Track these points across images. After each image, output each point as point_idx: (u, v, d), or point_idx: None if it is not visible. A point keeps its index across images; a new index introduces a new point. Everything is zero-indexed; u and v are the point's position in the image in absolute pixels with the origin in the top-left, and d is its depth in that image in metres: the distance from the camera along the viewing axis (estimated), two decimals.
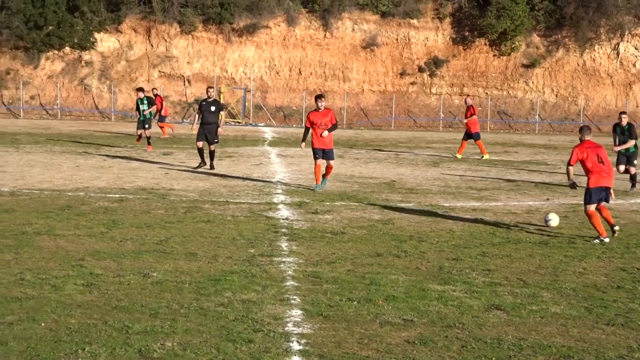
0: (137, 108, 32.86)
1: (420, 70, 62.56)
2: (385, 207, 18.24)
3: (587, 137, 15.02)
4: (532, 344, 8.51)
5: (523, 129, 60.44)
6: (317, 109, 21.06)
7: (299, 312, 9.44)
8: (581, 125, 19.83)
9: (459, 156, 32.55)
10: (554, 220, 15.66)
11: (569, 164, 15.12)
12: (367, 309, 9.63)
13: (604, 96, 61.75)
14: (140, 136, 33.31)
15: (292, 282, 10.82)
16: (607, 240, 14.47)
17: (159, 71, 61.48)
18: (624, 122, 22.35)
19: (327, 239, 14.10)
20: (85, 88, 60.88)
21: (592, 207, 14.58)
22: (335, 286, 10.67)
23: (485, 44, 62.56)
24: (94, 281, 10.58)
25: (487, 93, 61.86)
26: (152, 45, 62.01)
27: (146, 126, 32.63)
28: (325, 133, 20.73)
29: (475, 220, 16.65)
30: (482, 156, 32.56)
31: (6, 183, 20.63)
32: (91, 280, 10.61)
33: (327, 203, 18.57)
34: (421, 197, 20.21)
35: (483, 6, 61.42)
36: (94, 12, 60.77)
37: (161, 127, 40.21)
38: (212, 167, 25.12)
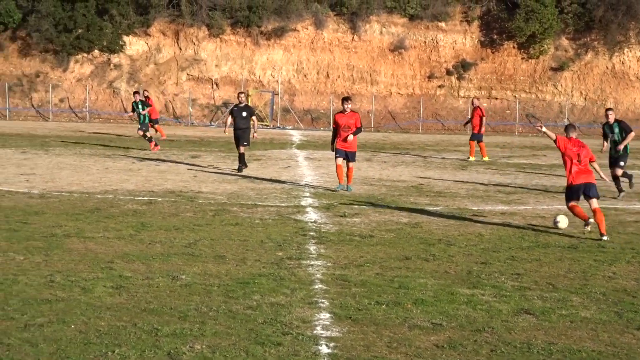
0: (133, 110, 33.56)
1: (448, 73, 62.38)
2: (414, 210, 18.20)
3: (572, 135, 15.50)
4: (562, 349, 8.47)
5: None
6: (342, 111, 21.09)
7: (328, 315, 9.44)
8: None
9: (486, 159, 32.33)
10: (563, 222, 15.65)
11: (556, 138, 15.58)
12: (395, 313, 9.61)
13: (633, 99, 61.27)
14: (159, 135, 33.87)
15: (320, 285, 10.82)
16: (589, 229, 15.40)
17: (187, 74, 61.71)
18: (612, 119, 21.58)
19: (355, 242, 14.09)
20: (114, 91, 61.23)
21: (571, 203, 15.38)
22: (363, 289, 10.65)
23: (514, 47, 62.28)
24: (123, 284, 10.63)
25: (515, 96, 61.56)
26: (180, 49, 62.26)
27: (143, 128, 33.07)
28: (351, 137, 20.74)
29: (504, 224, 16.59)
30: (469, 157, 32.37)
31: (36, 185, 20.78)
32: (120, 283, 10.66)
33: (355, 206, 18.56)
34: (449, 200, 20.15)
35: (511, 9, 61.16)
36: (122, 15, 61.13)
37: (157, 129, 40.34)
38: (239, 169, 25.23)
